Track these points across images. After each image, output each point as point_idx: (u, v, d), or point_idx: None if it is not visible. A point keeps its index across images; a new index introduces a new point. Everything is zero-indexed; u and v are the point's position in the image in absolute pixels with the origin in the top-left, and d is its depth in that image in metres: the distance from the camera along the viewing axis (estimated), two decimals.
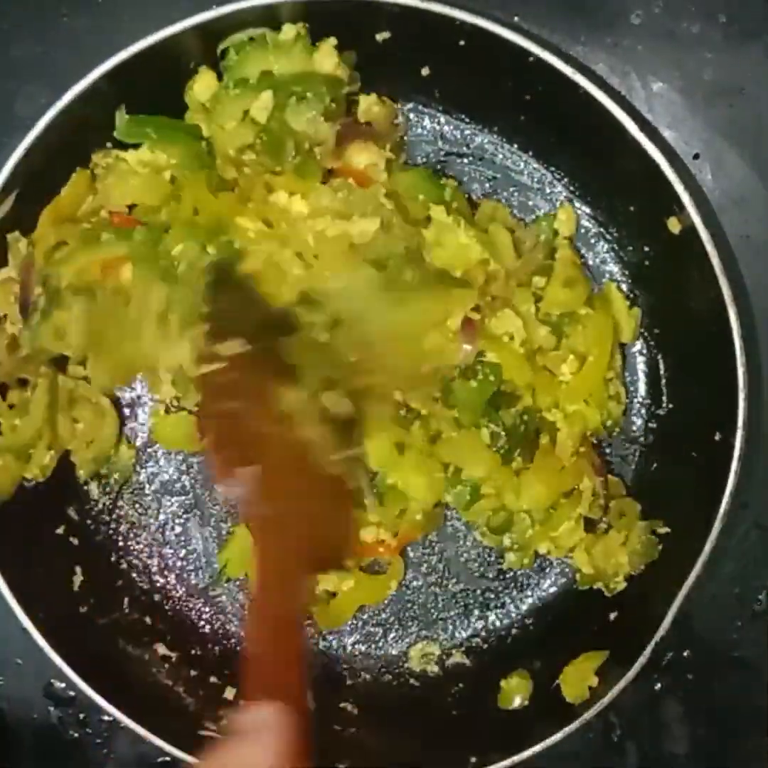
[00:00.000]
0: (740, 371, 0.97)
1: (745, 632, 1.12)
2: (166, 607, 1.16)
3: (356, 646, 1.15)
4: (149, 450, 1.16)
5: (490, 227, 1.04)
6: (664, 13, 1.09)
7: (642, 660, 1.00)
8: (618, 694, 1.01)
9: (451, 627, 1.15)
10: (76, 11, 1.11)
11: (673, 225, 1.01)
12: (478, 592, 1.14)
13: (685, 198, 0.98)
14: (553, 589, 1.14)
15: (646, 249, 1.08)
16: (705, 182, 1.09)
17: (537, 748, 1.00)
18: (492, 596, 1.14)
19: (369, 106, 1.06)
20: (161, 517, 1.16)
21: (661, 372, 1.10)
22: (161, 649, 1.13)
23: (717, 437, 1.00)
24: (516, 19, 1.08)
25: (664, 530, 1.05)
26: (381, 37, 1.02)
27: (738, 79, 1.08)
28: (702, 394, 1.04)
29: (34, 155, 0.99)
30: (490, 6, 1.05)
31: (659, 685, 1.13)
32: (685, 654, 1.12)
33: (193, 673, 1.13)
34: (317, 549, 0.87)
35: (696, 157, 1.10)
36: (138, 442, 1.16)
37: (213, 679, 1.12)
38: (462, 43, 1.00)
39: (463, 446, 1.05)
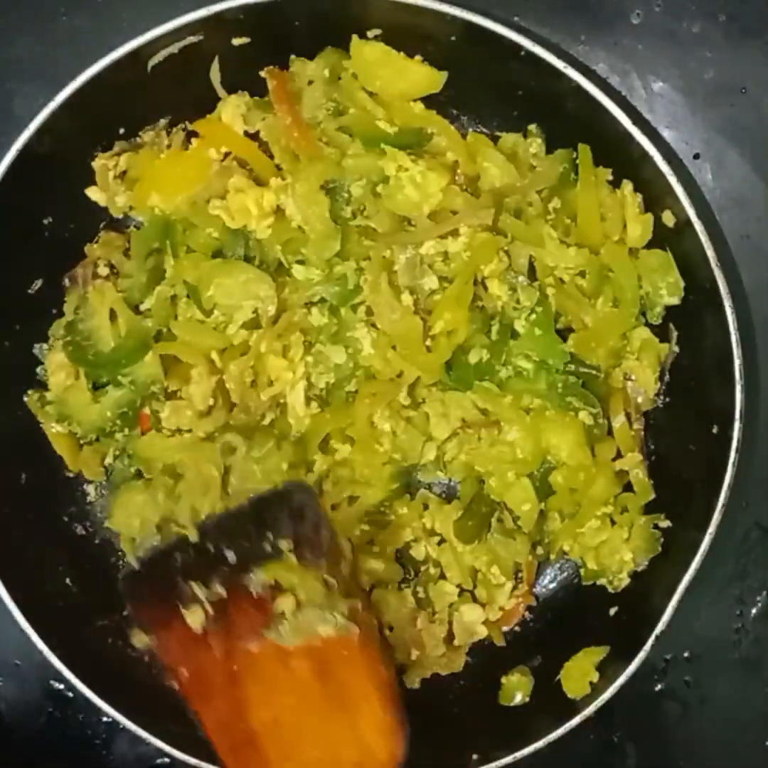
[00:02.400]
0: (736, 364, 0.98)
1: (745, 632, 1.12)
2: None
3: None
4: None
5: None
6: (665, 12, 1.09)
7: (642, 655, 1.00)
8: (618, 695, 1.00)
9: None
10: (75, 11, 1.12)
11: (668, 218, 1.02)
12: None
13: (679, 190, 0.98)
14: (552, 586, 1.14)
15: None
16: (705, 182, 1.10)
17: (539, 743, 1.00)
18: None
19: None
20: None
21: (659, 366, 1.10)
22: None
23: (715, 430, 1.01)
24: (516, 18, 1.08)
25: (665, 524, 1.05)
26: (372, 33, 1.03)
27: (739, 79, 1.09)
28: (699, 388, 1.05)
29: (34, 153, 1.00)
30: (490, 5, 1.05)
31: (659, 685, 1.13)
32: (685, 654, 1.13)
33: None
34: None
35: (696, 156, 1.10)
36: None
37: None
38: (453, 38, 1.01)
39: (559, 426, 1.04)
